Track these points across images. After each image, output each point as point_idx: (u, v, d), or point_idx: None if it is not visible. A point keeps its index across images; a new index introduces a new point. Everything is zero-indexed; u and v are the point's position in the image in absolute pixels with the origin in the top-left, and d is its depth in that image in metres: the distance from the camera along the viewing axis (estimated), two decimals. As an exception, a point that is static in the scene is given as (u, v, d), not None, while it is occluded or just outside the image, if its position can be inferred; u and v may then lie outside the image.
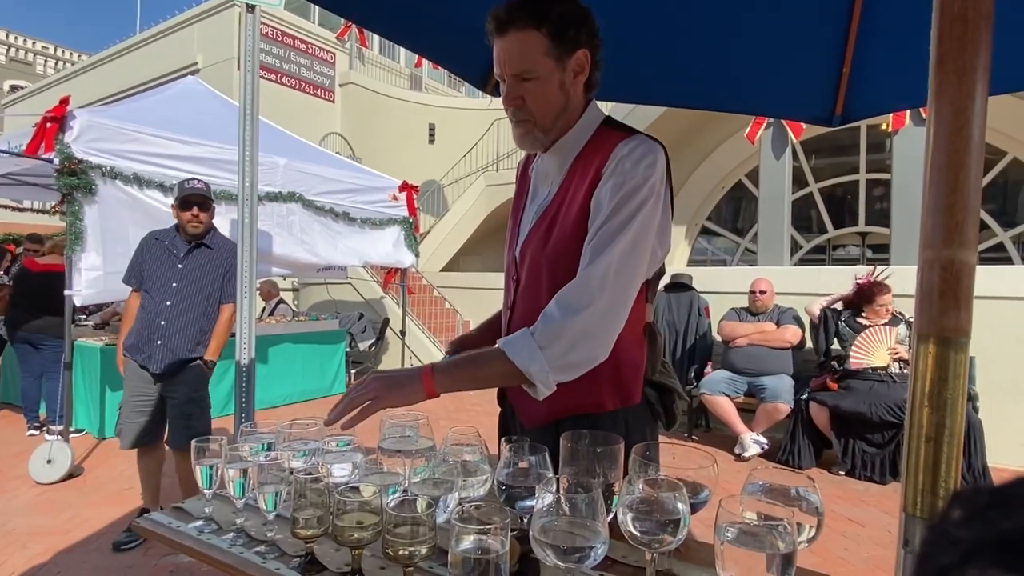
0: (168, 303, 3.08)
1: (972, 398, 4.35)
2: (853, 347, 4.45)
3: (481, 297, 8.37)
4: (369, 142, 13.30)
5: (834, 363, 4.60)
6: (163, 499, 3.27)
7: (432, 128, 13.46)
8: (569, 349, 1.08)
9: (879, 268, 4.73)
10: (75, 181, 3.88)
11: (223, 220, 4.57)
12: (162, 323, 3.06)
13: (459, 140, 12.48)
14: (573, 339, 1.08)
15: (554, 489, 0.92)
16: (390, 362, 8.33)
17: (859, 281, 4.65)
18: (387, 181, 6.33)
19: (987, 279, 5.05)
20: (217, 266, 3.20)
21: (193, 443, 1.12)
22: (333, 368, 7.15)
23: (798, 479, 0.87)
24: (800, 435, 4.57)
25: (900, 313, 4.46)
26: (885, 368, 4.33)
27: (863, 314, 4.58)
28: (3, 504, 3.60)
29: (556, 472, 1.05)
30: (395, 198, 6.39)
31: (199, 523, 1.12)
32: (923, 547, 0.24)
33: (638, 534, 0.79)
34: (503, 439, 1.19)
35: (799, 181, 9.55)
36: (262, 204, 5.07)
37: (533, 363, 1.07)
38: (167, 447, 3.19)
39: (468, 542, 0.81)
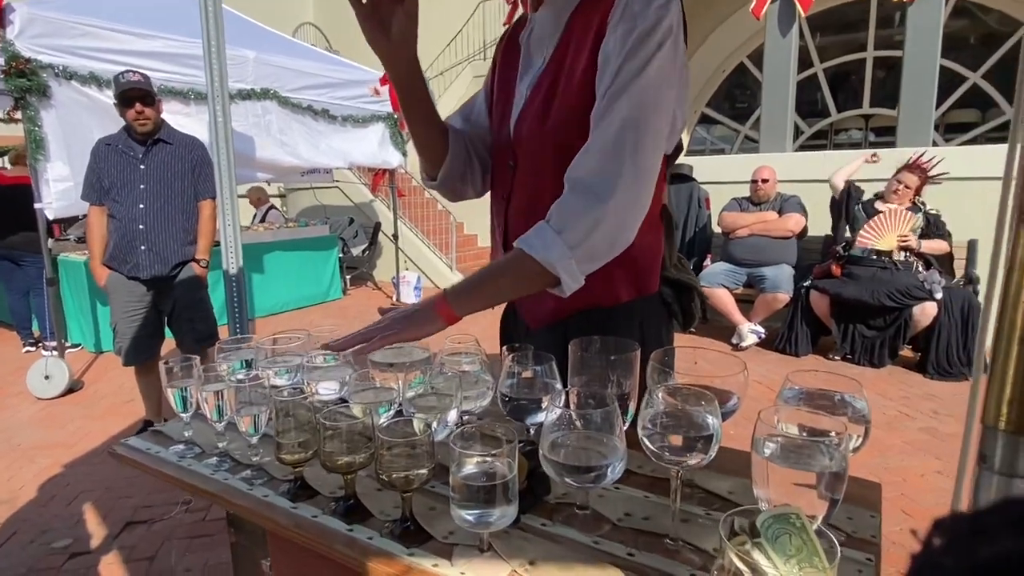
0: (141, 206, 2.92)
1: (973, 281, 4.31)
2: (865, 226, 4.33)
3: (474, 196, 8.12)
4: (346, 33, 12.39)
5: (839, 248, 4.50)
6: (166, 410, 3.27)
7: (413, 15, 12.52)
8: (590, 230, 0.94)
9: (922, 150, 4.50)
10: (26, 83, 3.56)
11: (195, 122, 4.29)
12: (141, 227, 2.92)
13: (442, 27, 11.61)
14: (594, 219, 0.94)
15: (562, 402, 0.83)
16: (385, 267, 8.24)
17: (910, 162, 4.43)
18: (367, 73, 5.91)
19: (995, 159, 4.86)
20: (182, 161, 3.02)
21: (161, 365, 1.01)
22: (328, 274, 7.06)
23: (842, 383, 0.78)
24: (799, 323, 4.58)
25: (922, 203, 4.30)
26: (889, 254, 4.24)
27: (882, 198, 4.42)
28: (6, 420, 3.61)
29: (564, 380, 0.96)
30: (377, 92, 6.00)
31: (179, 447, 1.04)
32: (908, 574, 0.25)
33: (664, 453, 0.70)
34: (504, 346, 1.09)
35: (803, 62, 9.01)
36: (234, 103, 4.72)
37: (551, 250, 0.93)
38: (178, 349, 3.17)
39: (471, 466, 0.72)
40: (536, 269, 0.95)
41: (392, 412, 0.97)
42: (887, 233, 4.25)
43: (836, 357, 4.44)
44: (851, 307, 4.28)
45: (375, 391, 0.98)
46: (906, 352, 4.32)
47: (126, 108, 2.87)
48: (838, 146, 9.70)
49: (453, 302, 0.96)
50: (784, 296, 4.61)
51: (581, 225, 0.94)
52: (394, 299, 6.99)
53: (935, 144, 6.38)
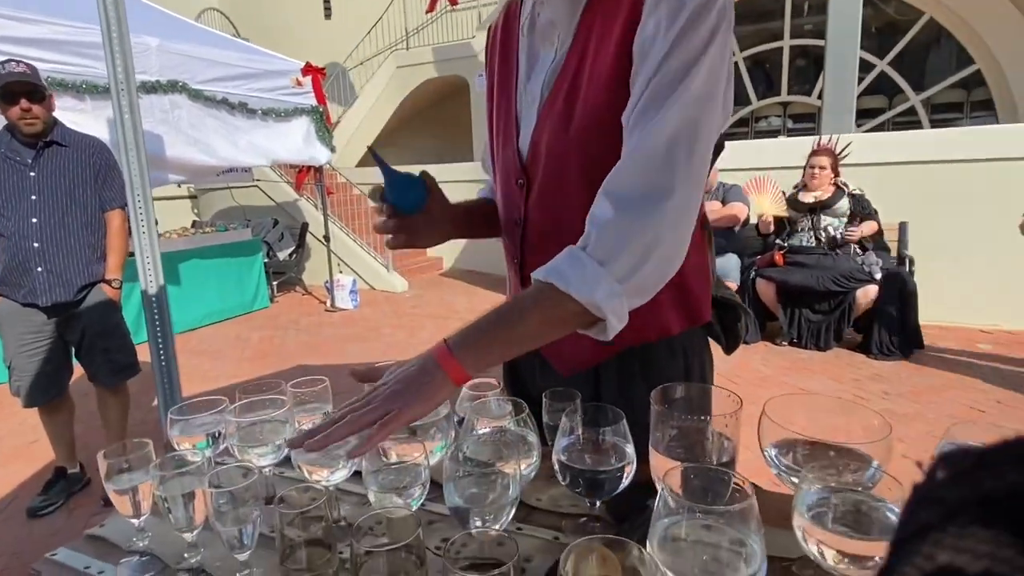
0: (35, 220, 2.49)
1: (907, 262, 4.49)
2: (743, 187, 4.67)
3: (406, 192, 7.79)
4: (254, 20, 11.61)
5: (779, 240, 4.59)
6: (80, 450, 2.86)
7: (327, 0, 11.87)
8: (643, 259, 0.75)
9: (835, 137, 4.62)
10: None
11: (93, 120, 3.77)
12: (35, 245, 2.49)
13: (360, 14, 11.08)
14: (644, 246, 0.75)
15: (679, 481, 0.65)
16: (315, 271, 7.77)
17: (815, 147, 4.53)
18: (287, 63, 5.47)
19: (916, 144, 5.10)
20: (81, 165, 2.60)
21: (100, 459, 0.75)
22: (253, 282, 6.57)
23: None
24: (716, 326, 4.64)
25: (844, 184, 4.42)
26: (830, 243, 4.34)
27: (805, 187, 4.52)
28: None
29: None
30: (299, 83, 5.57)
31: (132, 561, 0.78)
32: (906, 507, 0.24)
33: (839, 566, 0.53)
34: (546, 393, 0.90)
35: (725, 50, 9.22)
36: (138, 98, 4.22)
37: (598, 288, 0.74)
38: (91, 383, 2.76)
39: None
40: (573, 310, 0.75)
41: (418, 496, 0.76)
42: (759, 197, 4.52)
43: (783, 342, 4.52)
44: (797, 293, 4.36)
45: (397, 473, 0.76)
46: (850, 334, 4.46)
47: (8, 105, 2.43)
48: (759, 133, 10.03)
49: (461, 355, 0.72)
50: (732, 285, 4.64)
51: (630, 253, 0.75)
52: (328, 304, 6.59)
53: (859, 127, 6.65)
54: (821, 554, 0.54)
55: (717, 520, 0.59)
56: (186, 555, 0.77)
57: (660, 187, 0.76)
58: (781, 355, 4.34)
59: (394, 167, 0.91)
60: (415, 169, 0.99)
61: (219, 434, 0.88)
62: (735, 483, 0.60)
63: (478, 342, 0.74)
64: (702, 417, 0.72)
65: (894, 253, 4.58)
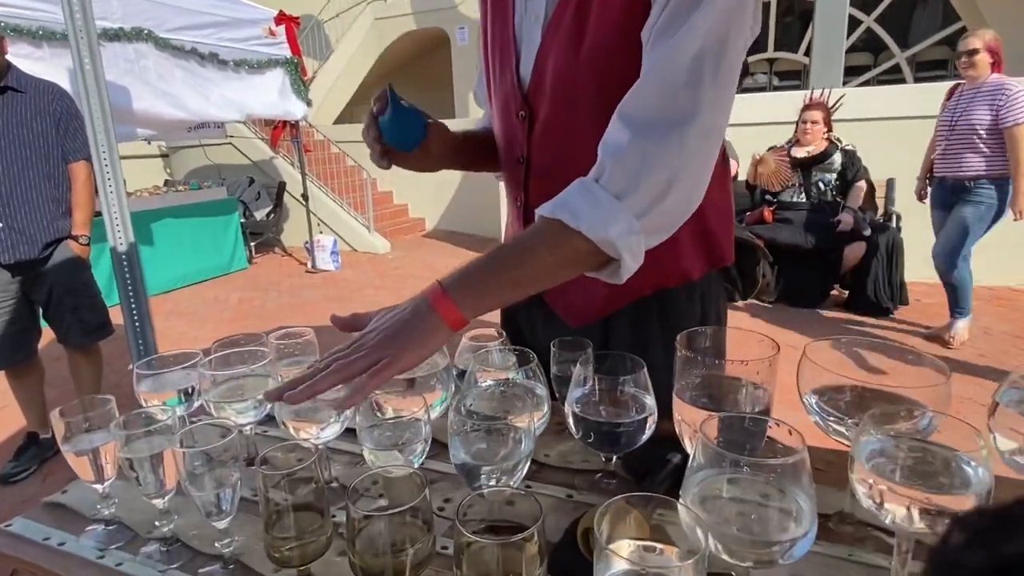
0: None
1: (894, 218, 4.47)
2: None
3: (387, 150, 7.56)
4: (224, -31, 11.03)
5: (768, 196, 4.53)
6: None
7: (300, -52, 11.30)
8: (664, 190, 0.67)
9: (827, 91, 4.52)
10: None
11: (52, 68, 3.52)
12: None
13: (335, -36, 10.59)
14: (665, 176, 0.67)
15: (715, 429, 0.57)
16: (294, 232, 7.58)
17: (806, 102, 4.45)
18: (259, 11, 5.18)
19: (904, 100, 5.02)
20: (40, 113, 2.42)
21: (56, 419, 0.66)
22: (230, 242, 6.37)
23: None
24: (732, 268, 4.59)
25: (837, 139, 4.35)
26: (817, 197, 4.29)
27: (797, 142, 4.44)
28: None
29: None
30: (272, 33, 5.29)
31: (97, 530, 0.70)
32: (925, 572, 0.24)
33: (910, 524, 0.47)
34: (554, 342, 0.83)
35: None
36: (101, 46, 3.95)
37: (613, 224, 0.66)
38: (62, 345, 2.63)
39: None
40: (585, 249, 0.67)
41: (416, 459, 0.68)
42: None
43: (770, 300, 4.50)
44: (784, 251, 4.32)
45: (395, 427, 0.68)
46: (836, 291, 4.45)
47: (-44, 49, 2.24)
48: (746, 89, 9.87)
49: (457, 297, 0.64)
50: (720, 242, 4.60)
51: (650, 185, 0.67)
52: (309, 266, 6.44)
53: (844, 85, 6.55)
54: (886, 510, 0.48)
55: (763, 475, 0.52)
56: (157, 523, 0.69)
57: (683, 110, 0.67)
58: (768, 313, 4.33)
59: (402, 100, 0.83)
60: None
61: (193, 390, 0.79)
62: (787, 432, 0.53)
63: (476, 283, 0.66)
64: (740, 361, 0.64)
65: (881, 210, 4.55)
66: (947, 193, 3.49)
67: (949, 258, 3.43)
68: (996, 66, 3.27)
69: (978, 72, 3.27)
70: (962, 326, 3.53)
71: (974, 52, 3.26)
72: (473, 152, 1.03)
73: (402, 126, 0.84)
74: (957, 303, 3.53)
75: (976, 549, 0.22)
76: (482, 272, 0.67)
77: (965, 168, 3.34)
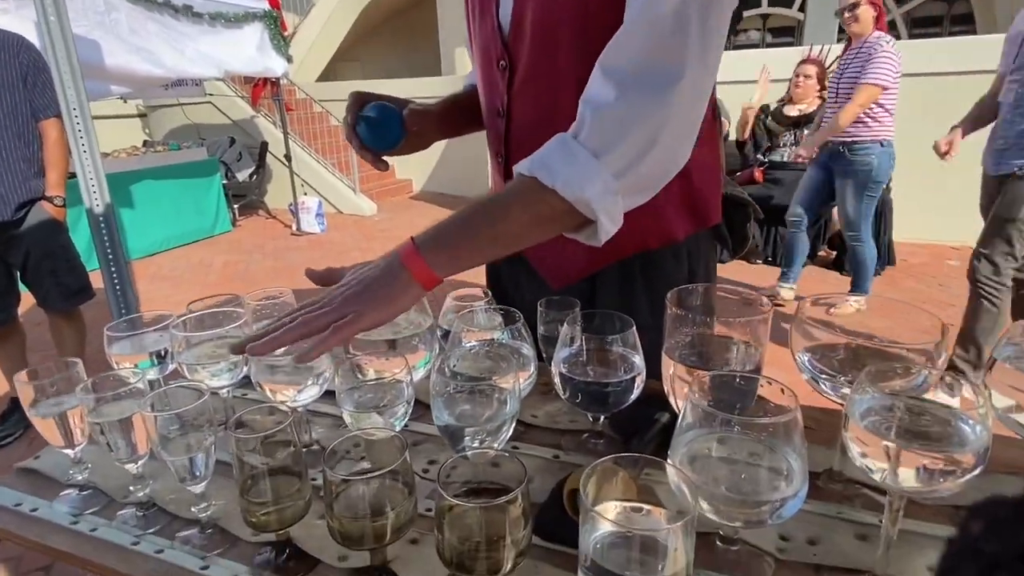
0: None
1: (884, 178, 4.44)
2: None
3: (371, 109, 7.37)
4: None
5: (759, 156, 4.48)
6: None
7: None
8: (645, 148, 0.63)
9: (825, 48, 4.42)
10: None
11: (15, 19, 3.36)
12: None
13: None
14: (647, 134, 0.63)
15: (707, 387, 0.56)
16: (278, 193, 7.44)
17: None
18: (235, -39, 4.97)
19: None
20: (5, 67, 2.30)
21: (20, 382, 0.63)
22: (212, 204, 6.24)
23: None
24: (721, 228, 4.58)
25: (830, 97, 4.28)
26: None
27: (790, 99, 4.38)
28: None
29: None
30: (249, -15, 5.09)
31: (71, 496, 0.68)
32: (944, 560, 0.24)
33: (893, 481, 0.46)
34: (541, 301, 0.81)
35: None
36: (67, -3, 3.79)
37: (589, 184, 0.62)
38: (43, 309, 2.57)
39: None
40: (561, 208, 0.64)
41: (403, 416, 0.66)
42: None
43: (758, 261, 4.51)
44: (776, 211, 4.30)
45: (377, 388, 0.66)
46: (824, 251, 4.46)
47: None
48: (738, 47, 9.69)
49: (429, 256, 0.62)
50: (710, 203, 4.57)
51: (631, 143, 0.63)
52: (294, 228, 6.34)
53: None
54: (880, 468, 0.47)
55: (755, 434, 0.51)
56: (132, 488, 0.67)
57: (668, 63, 0.63)
58: (756, 273, 4.33)
59: (371, 107, 0.89)
60: (383, 85, 0.89)
61: (166, 352, 0.76)
62: (779, 390, 0.52)
63: (449, 242, 0.64)
64: (732, 320, 0.62)
65: (872, 170, 4.52)
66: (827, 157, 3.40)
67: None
68: (879, 19, 3.11)
69: (861, 28, 3.10)
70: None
71: (855, 5, 3.05)
72: (458, 117, 1.02)
73: (378, 134, 0.90)
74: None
75: (994, 538, 0.22)
76: (456, 230, 0.64)
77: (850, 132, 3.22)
